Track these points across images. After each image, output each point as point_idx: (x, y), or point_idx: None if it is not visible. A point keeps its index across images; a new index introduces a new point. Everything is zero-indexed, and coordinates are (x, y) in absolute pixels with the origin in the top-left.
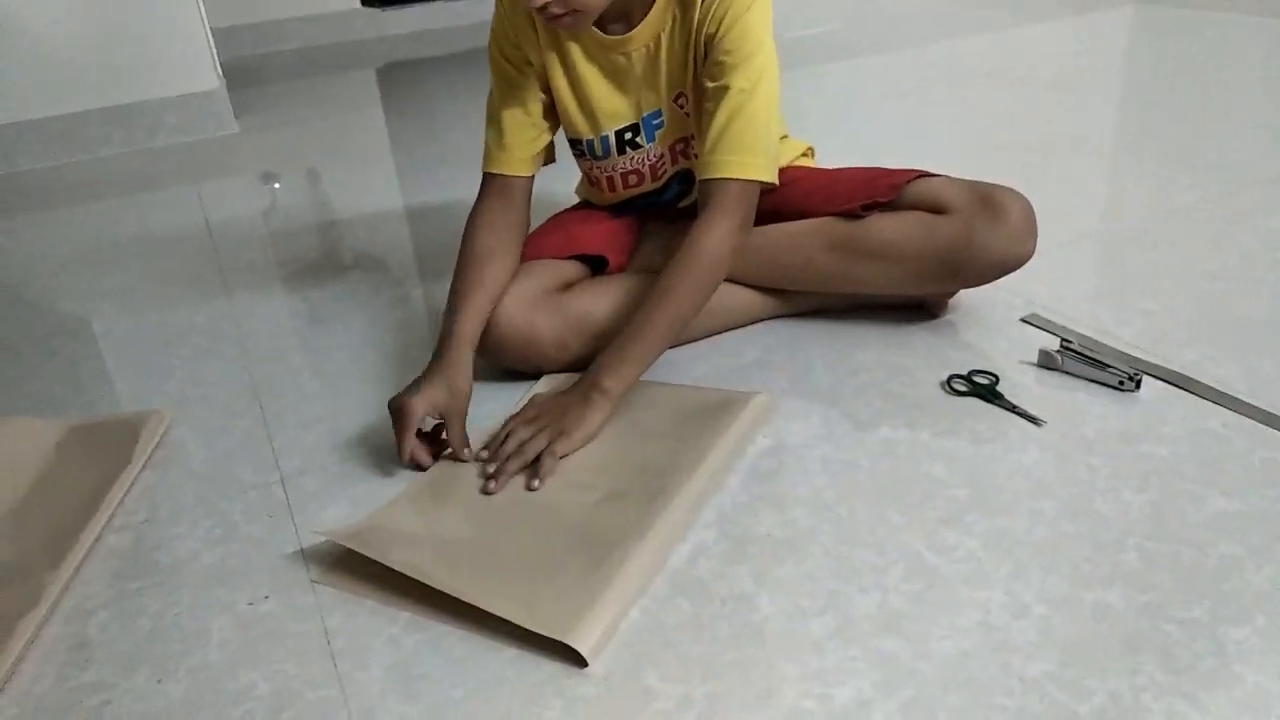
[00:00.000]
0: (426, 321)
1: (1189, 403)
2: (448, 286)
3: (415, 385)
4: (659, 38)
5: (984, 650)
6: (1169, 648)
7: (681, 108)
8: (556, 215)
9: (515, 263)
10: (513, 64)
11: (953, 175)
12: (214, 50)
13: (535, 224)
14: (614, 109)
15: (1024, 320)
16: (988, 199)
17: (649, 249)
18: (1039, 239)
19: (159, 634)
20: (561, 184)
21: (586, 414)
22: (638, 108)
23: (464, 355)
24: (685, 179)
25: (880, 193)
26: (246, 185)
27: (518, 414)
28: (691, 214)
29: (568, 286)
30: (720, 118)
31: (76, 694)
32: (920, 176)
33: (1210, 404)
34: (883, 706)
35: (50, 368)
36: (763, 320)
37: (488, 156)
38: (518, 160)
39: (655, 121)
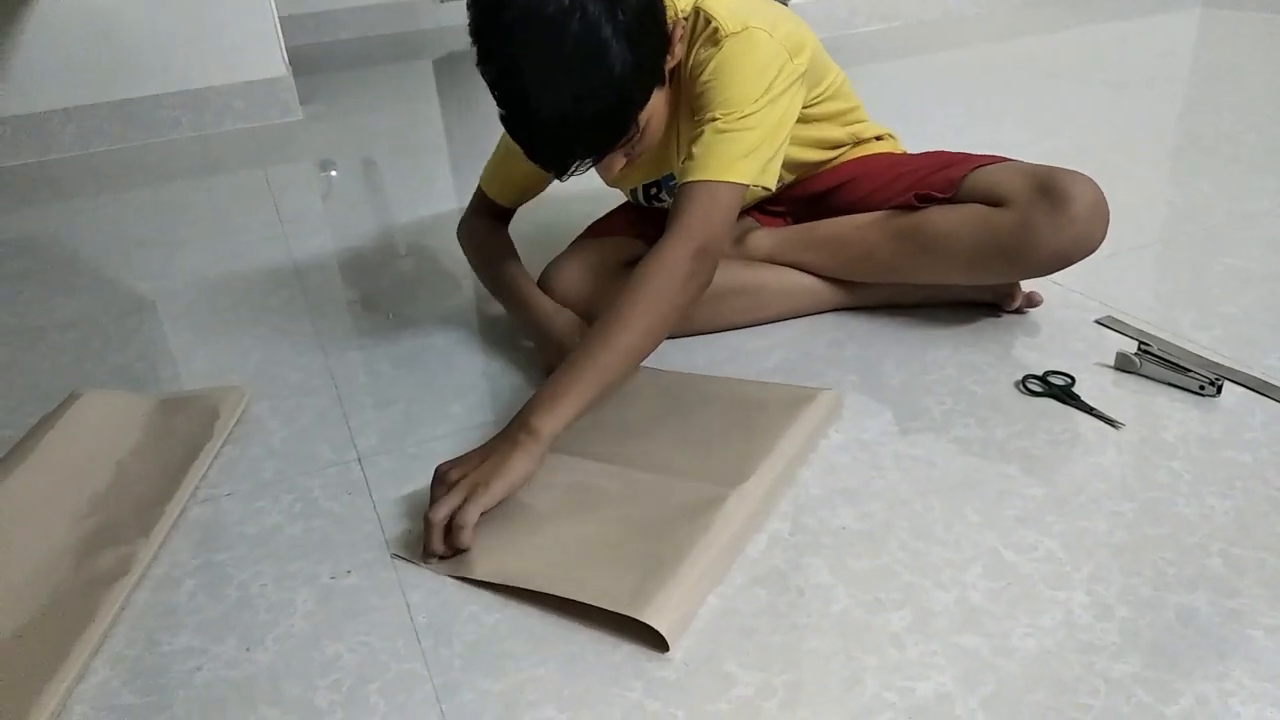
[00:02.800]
0: (486, 308)
1: (1271, 409)
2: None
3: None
4: (674, 116)
5: (1067, 649)
6: (1257, 654)
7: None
8: (622, 205)
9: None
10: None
11: (1018, 160)
12: (281, 38)
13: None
14: (633, 175)
15: (1099, 322)
16: (1048, 187)
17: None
18: (1111, 236)
19: (246, 604)
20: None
21: (510, 460)
22: (654, 170)
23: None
24: None
25: (937, 186)
26: (312, 171)
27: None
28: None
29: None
30: (700, 140)
31: (169, 659)
32: (982, 164)
33: None
34: (964, 701)
35: (132, 342)
36: (830, 311)
37: (488, 178)
38: (508, 197)
39: (672, 183)
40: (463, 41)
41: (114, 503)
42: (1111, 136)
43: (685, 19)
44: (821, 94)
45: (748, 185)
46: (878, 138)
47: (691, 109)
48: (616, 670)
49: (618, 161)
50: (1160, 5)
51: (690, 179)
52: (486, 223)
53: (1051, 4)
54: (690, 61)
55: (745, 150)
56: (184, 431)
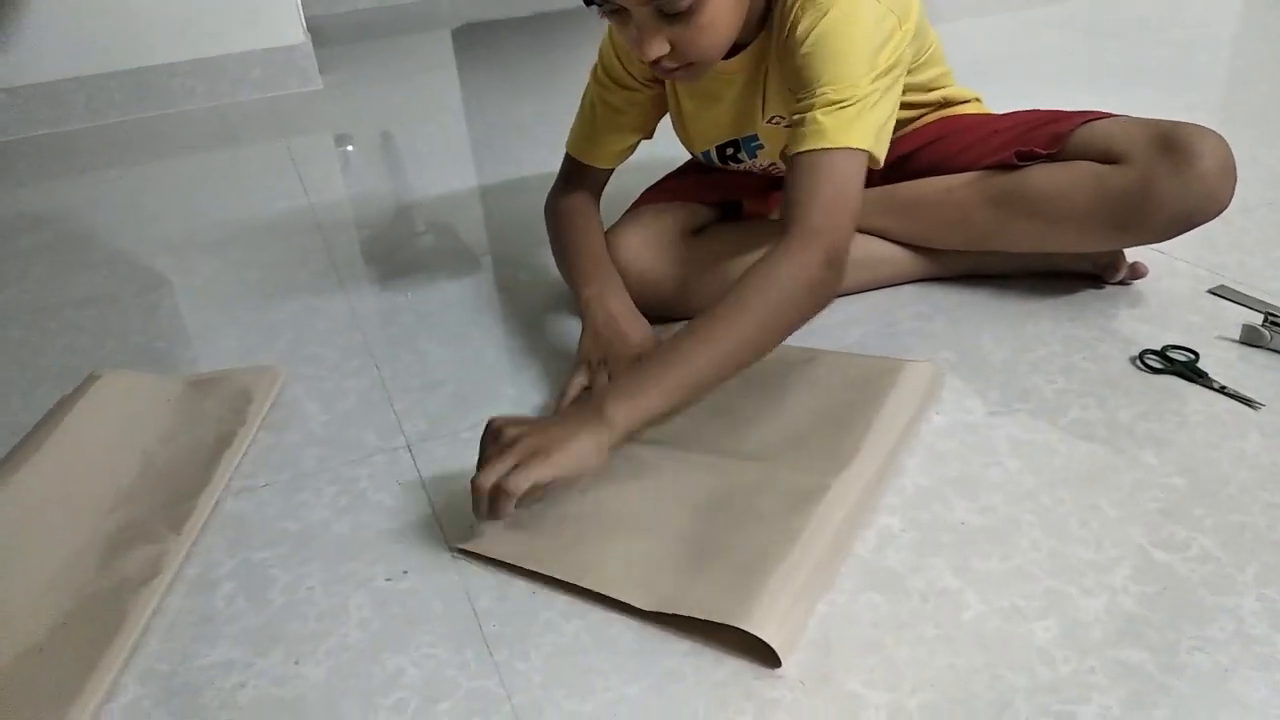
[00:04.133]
0: (535, 281)
1: None
2: (529, 253)
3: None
4: (761, 67)
5: (1245, 666)
6: None
7: (778, 125)
8: (681, 167)
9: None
10: (616, 82)
11: (1129, 116)
12: (300, 5)
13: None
14: (709, 131)
15: (1212, 292)
16: (1171, 142)
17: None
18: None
19: (292, 610)
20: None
21: (577, 439)
22: (733, 128)
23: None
24: None
25: (1040, 142)
26: (334, 144)
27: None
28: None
29: (698, 231)
30: (810, 110)
31: (207, 674)
32: (1090, 119)
33: None
34: None
35: (153, 320)
36: (912, 282)
37: (574, 142)
38: (602, 156)
39: (754, 144)
40: (480, 11)
41: (141, 495)
42: (1190, 98)
43: None
44: (919, 59)
45: (869, 152)
46: (965, 102)
47: (784, 72)
48: (722, 690)
49: (654, 37)
50: None
51: (805, 148)
52: (576, 199)
53: None
54: (789, 19)
55: (859, 115)
56: (215, 416)
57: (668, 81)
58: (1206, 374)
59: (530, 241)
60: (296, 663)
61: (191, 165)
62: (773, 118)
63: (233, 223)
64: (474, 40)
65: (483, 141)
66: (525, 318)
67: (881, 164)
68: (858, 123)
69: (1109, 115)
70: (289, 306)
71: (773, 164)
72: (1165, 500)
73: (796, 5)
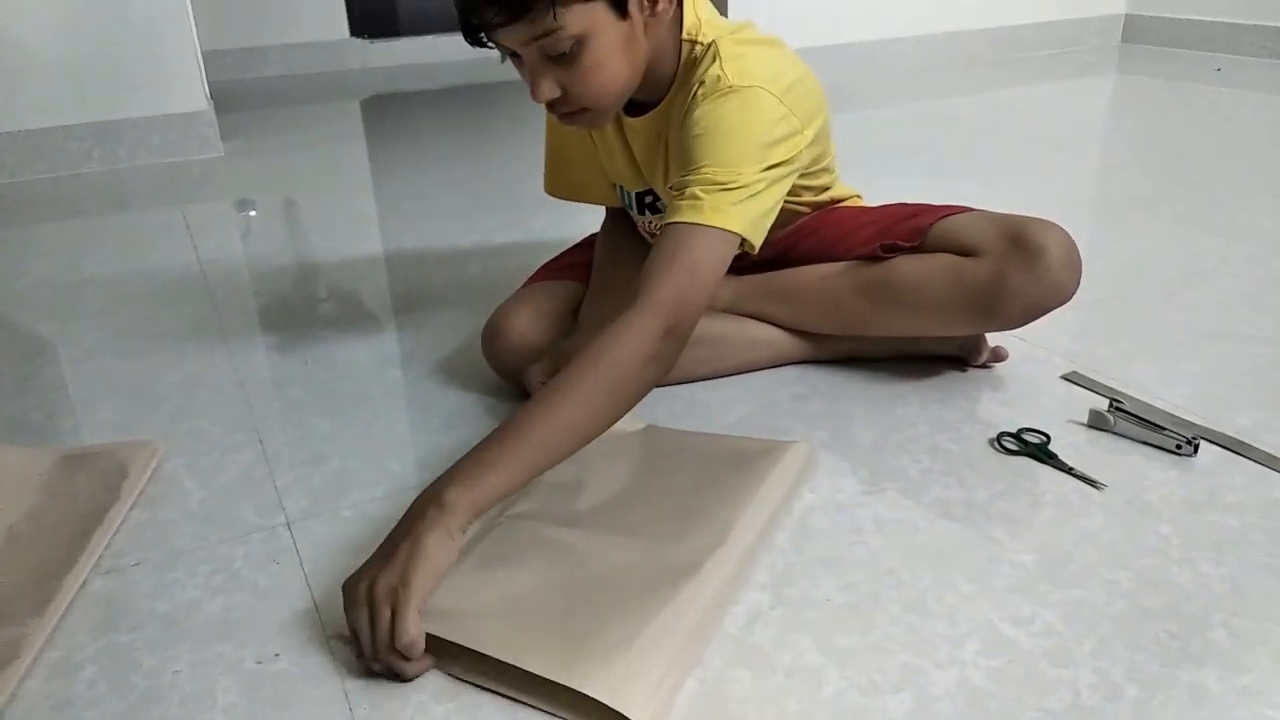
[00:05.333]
0: (424, 356)
1: (1249, 469)
2: (429, 323)
3: None
4: (661, 129)
5: None
6: None
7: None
8: (579, 243)
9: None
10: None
11: (985, 210)
12: (204, 72)
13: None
14: (627, 176)
15: (1065, 378)
16: (1020, 237)
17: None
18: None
19: (155, 695)
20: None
21: (424, 543)
22: (644, 181)
23: None
24: None
25: (902, 235)
26: (233, 210)
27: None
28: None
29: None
30: (692, 182)
31: None
32: (949, 214)
33: (1272, 471)
34: None
35: (27, 391)
36: (791, 364)
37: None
38: (559, 186)
39: (661, 201)
40: (391, 84)
41: (4, 575)
42: (1051, 192)
43: (699, 42)
44: (816, 165)
45: (740, 237)
46: (847, 199)
47: (677, 146)
48: None
49: (544, 79)
50: (1079, 70)
51: (676, 219)
52: (611, 223)
53: (979, 65)
54: (692, 92)
55: (740, 201)
56: (87, 492)
57: (592, 131)
58: (1057, 455)
59: (434, 312)
60: None
61: (81, 230)
62: (673, 184)
63: (120, 289)
64: (383, 111)
65: (389, 211)
66: (419, 392)
67: (757, 250)
68: (737, 207)
69: (965, 209)
70: (173, 377)
71: None
72: (1015, 577)
73: (700, 87)
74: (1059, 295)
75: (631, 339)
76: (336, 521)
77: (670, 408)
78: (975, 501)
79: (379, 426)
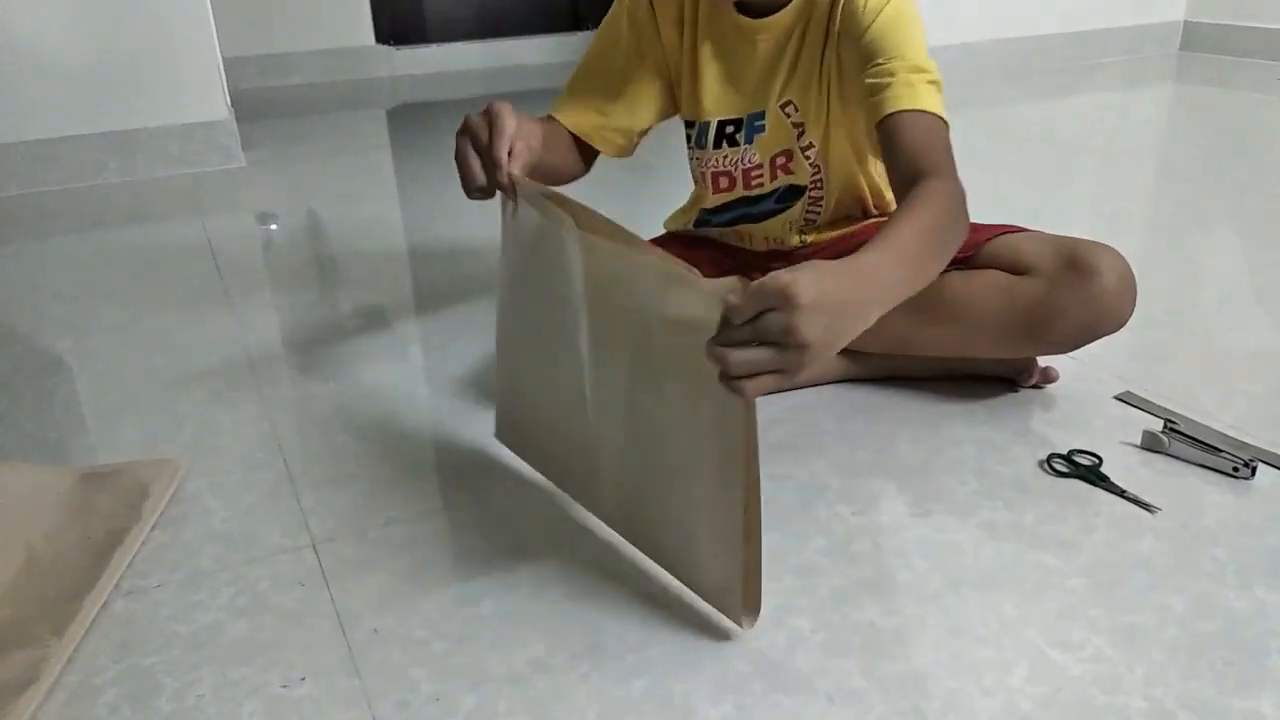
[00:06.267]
0: (452, 370)
1: None
2: (457, 339)
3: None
4: (792, 33)
5: None
6: None
7: (788, 116)
8: (660, 239)
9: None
10: (637, 27)
11: (1039, 231)
12: (224, 79)
13: None
14: (722, 98)
15: (1118, 399)
16: (1074, 258)
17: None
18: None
19: (179, 719)
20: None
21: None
22: (745, 104)
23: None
24: (786, 196)
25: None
26: (255, 223)
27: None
28: (775, 260)
29: None
30: (895, 76)
31: None
32: (1004, 233)
33: None
34: None
35: (45, 408)
36: (832, 383)
37: (555, 103)
38: (571, 112)
39: (757, 124)
40: (418, 92)
41: (22, 595)
42: (1107, 205)
43: None
44: None
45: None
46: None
47: (843, 45)
48: None
49: None
50: (1136, 79)
51: (906, 106)
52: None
53: (1031, 74)
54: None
55: (939, 93)
56: (107, 512)
57: (689, 44)
58: (1109, 478)
59: (462, 328)
60: None
61: (98, 243)
62: (787, 103)
63: (139, 304)
64: (410, 120)
65: (416, 224)
66: (449, 409)
67: None
68: (940, 99)
69: (1020, 229)
70: (195, 394)
71: (759, 166)
72: (1064, 601)
73: None
74: (1112, 319)
75: (952, 194)
76: (364, 543)
77: None
78: (1024, 524)
79: (407, 445)
